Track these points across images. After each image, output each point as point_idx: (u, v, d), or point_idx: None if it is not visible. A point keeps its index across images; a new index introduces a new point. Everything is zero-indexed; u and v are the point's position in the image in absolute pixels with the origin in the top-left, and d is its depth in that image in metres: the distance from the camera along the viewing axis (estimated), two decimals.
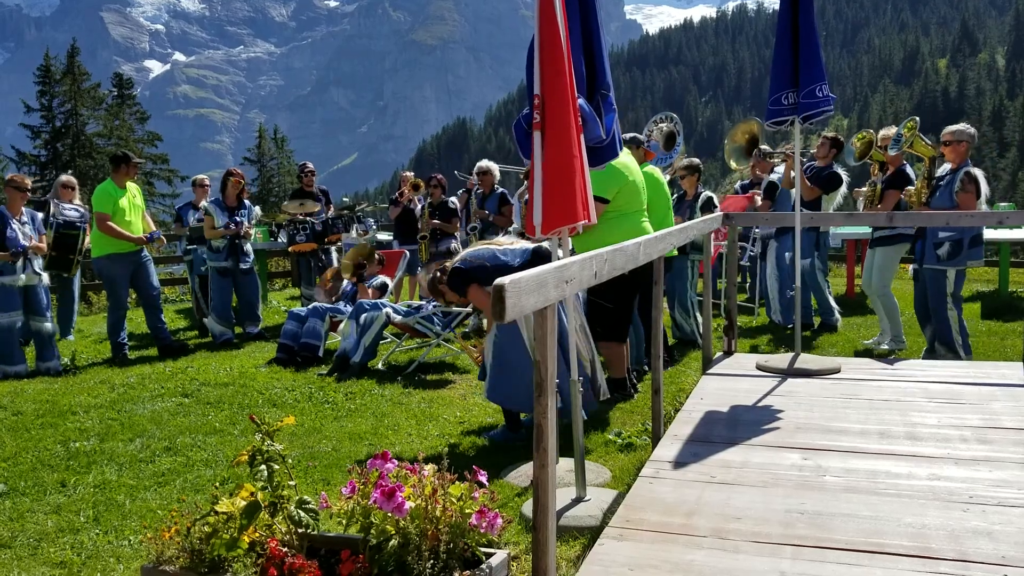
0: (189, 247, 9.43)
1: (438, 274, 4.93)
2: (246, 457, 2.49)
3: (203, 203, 8.81)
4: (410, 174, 10.68)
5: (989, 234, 9.50)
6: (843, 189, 7.71)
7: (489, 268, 4.65)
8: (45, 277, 7.41)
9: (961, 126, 6.20)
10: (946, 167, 6.26)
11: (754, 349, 7.19)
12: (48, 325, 7.36)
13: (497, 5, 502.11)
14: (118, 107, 34.43)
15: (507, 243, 4.90)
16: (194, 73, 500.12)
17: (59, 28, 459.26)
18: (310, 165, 10.35)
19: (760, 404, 4.72)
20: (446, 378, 6.46)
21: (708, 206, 7.65)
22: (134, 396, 6.13)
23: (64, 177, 9.00)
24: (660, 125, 8.85)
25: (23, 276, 7.12)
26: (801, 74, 5.34)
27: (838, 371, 5.43)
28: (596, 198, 4.98)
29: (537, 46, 3.73)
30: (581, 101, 3.98)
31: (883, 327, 7.12)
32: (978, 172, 6.05)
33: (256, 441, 2.54)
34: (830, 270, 10.47)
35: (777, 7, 5.80)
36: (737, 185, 10.17)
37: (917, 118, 6.72)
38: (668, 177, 7.57)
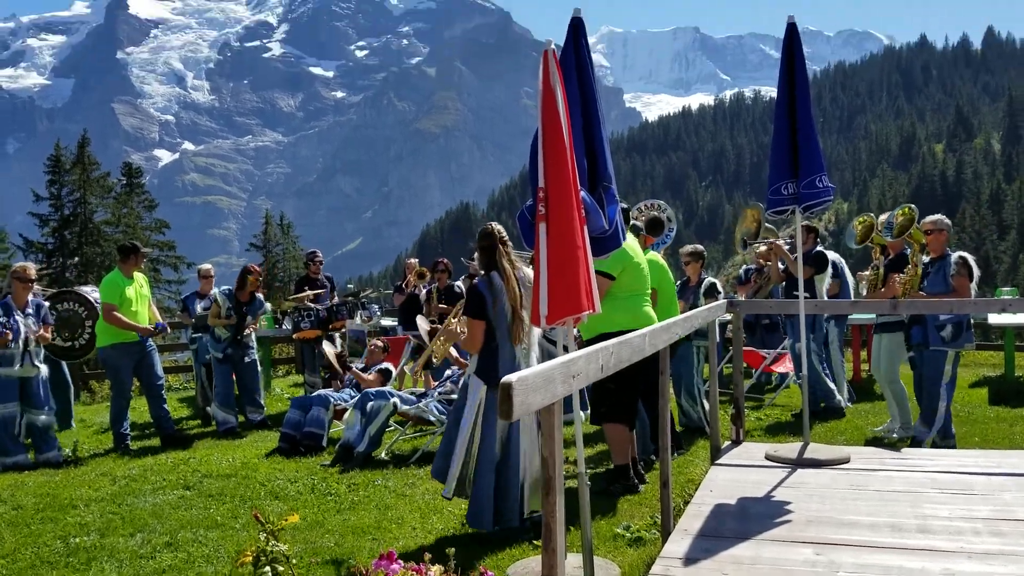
0: (194, 335, 9.45)
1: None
2: (250, 558, 2.46)
3: (214, 291, 8.87)
4: (415, 261, 10.77)
5: (993, 319, 9.52)
6: (830, 269, 7.92)
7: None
8: (44, 369, 7.37)
9: (939, 216, 6.39)
10: (925, 257, 6.42)
11: (770, 431, 7.12)
12: (43, 417, 7.26)
13: (499, 94, 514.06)
14: (127, 195, 34.90)
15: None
16: (202, 162, 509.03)
17: (71, 119, 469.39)
18: (319, 254, 10.41)
19: (771, 496, 4.65)
20: None
21: (712, 292, 7.69)
22: (136, 489, 6.06)
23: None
24: (647, 214, 8.97)
25: (19, 367, 7.10)
26: (801, 165, 5.44)
27: (847, 461, 5.37)
28: (601, 273, 5.03)
29: (540, 140, 3.82)
30: (583, 193, 4.05)
31: (892, 413, 7.08)
32: (969, 256, 6.20)
33: (260, 540, 2.51)
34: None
35: (774, 95, 5.95)
36: (741, 271, 10.24)
37: (914, 206, 6.82)
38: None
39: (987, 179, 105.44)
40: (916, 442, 6.29)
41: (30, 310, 7.22)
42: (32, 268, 7.42)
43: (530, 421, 4.57)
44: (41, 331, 7.28)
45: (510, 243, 4.74)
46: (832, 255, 8.26)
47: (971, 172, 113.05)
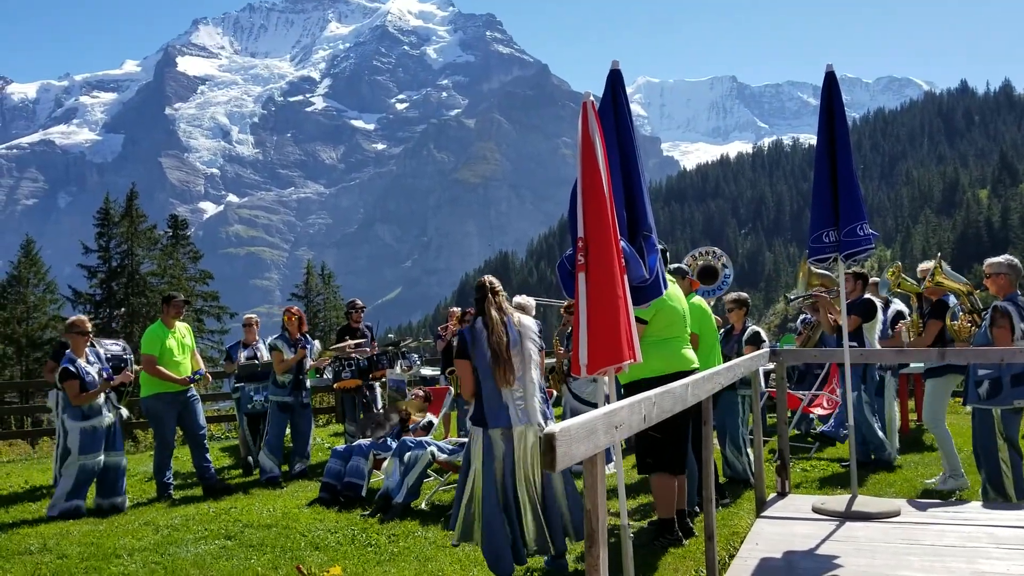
0: (237, 384, 9.54)
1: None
2: None
3: (270, 339, 9.03)
4: (457, 309, 10.81)
5: None
6: (880, 315, 7.79)
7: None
8: (124, 411, 7.55)
9: (1002, 258, 6.02)
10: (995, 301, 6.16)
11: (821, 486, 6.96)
12: (124, 460, 7.48)
13: (537, 145, 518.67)
14: (172, 247, 35.62)
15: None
16: (246, 213, 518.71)
17: (120, 173, 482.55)
18: (359, 303, 10.49)
19: (818, 551, 4.53)
20: None
21: (755, 340, 7.60)
22: (178, 539, 6.08)
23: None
24: (699, 261, 8.91)
25: (108, 416, 7.28)
26: (841, 213, 5.40)
27: (898, 514, 5.22)
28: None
29: (580, 190, 3.85)
30: (623, 243, 4.06)
31: (944, 465, 6.88)
32: (1009, 306, 5.75)
33: None
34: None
35: (813, 143, 5.93)
36: (798, 322, 10.06)
37: (899, 262, 6.80)
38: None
39: None
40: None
41: (92, 359, 7.37)
42: (88, 321, 7.63)
43: (519, 455, 4.75)
44: (120, 377, 7.48)
45: (503, 293, 4.95)
46: (898, 304, 8.13)
47: (1017, 218, 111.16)
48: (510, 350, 4.69)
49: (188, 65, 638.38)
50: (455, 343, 5.01)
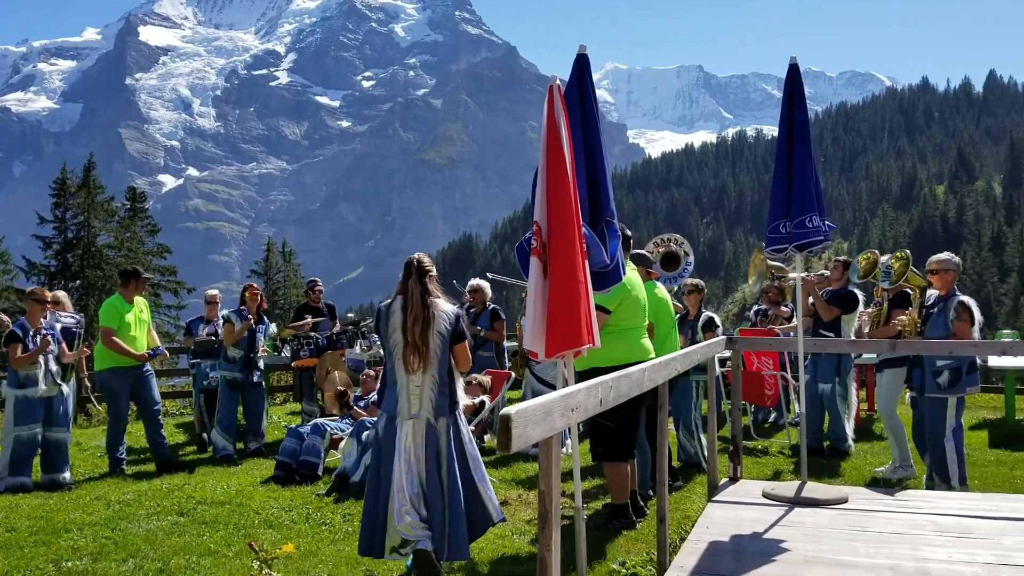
0: (193, 360, 9.44)
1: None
2: None
3: (224, 312, 8.94)
4: None
5: (994, 362, 9.51)
6: (860, 308, 7.92)
7: None
8: (65, 388, 7.39)
9: (946, 255, 6.30)
10: (932, 294, 6.34)
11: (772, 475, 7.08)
12: (66, 435, 7.31)
13: (505, 127, 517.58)
14: (130, 220, 34.99)
15: None
16: (206, 188, 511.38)
17: (77, 143, 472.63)
18: (319, 283, 10.44)
19: (767, 535, 4.62)
20: None
21: (710, 326, 7.71)
22: (129, 514, 6.02)
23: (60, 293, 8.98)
24: (661, 248, 8.97)
25: (43, 387, 7.12)
26: (792, 205, 5.46)
27: (846, 501, 5.34)
28: (598, 307, 5.03)
29: (543, 174, 3.85)
30: (584, 228, 4.07)
31: (894, 454, 7.04)
32: (970, 301, 6.06)
33: (253, 569, 2.49)
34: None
35: (776, 134, 5.98)
36: (751, 312, 10.20)
37: (908, 251, 6.84)
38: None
39: (988, 221, 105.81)
40: None
41: (44, 331, 7.22)
42: (46, 291, 7.50)
43: (405, 447, 4.37)
44: (72, 353, 7.35)
45: (434, 274, 4.58)
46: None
47: (972, 214, 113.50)
48: (424, 335, 4.39)
49: (150, 35, 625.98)
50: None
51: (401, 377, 4.42)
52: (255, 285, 9.02)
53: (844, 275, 7.95)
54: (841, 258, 8.13)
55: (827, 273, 8.10)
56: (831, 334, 7.72)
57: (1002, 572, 3.91)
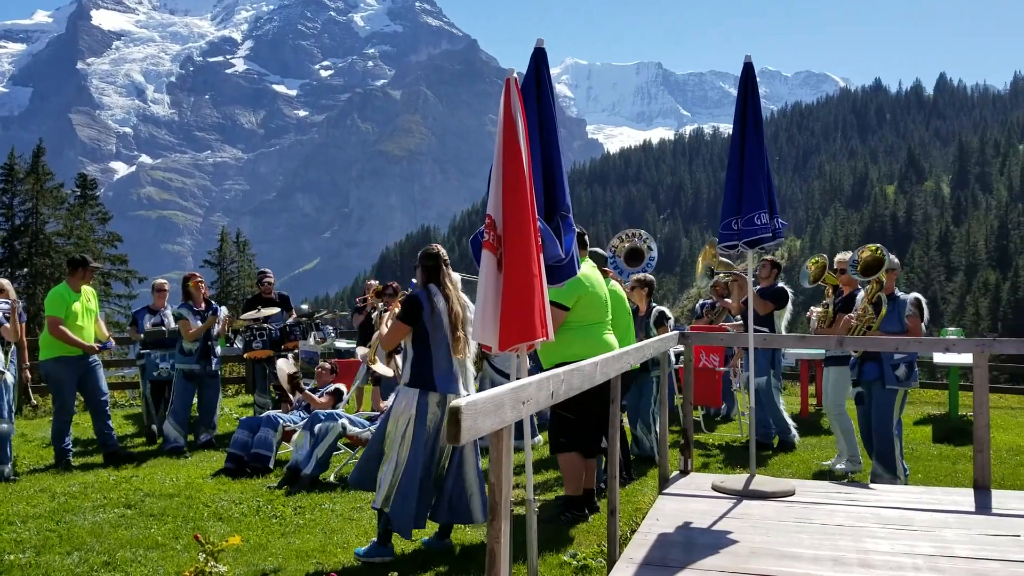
0: (142, 351, 9.28)
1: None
2: None
3: (172, 309, 8.79)
4: (374, 282, 10.72)
5: (939, 359, 9.74)
6: (790, 305, 8.17)
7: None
8: (9, 376, 7.18)
9: (894, 257, 6.55)
10: (860, 294, 6.59)
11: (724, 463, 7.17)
12: (9, 427, 7.09)
13: (464, 120, 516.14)
14: (80, 207, 34.27)
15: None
16: (159, 175, 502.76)
17: (26, 128, 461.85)
18: (270, 274, 10.32)
19: (715, 527, 4.69)
20: None
21: (661, 320, 7.78)
22: (75, 506, 5.91)
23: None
24: (625, 243, 9.03)
25: None
26: (743, 202, 5.54)
27: (792, 493, 5.43)
28: (556, 304, 5.06)
29: (499, 167, 3.84)
30: (540, 222, 4.08)
31: (840, 448, 7.18)
32: (921, 297, 6.35)
33: (199, 561, 2.47)
34: (784, 388, 10.60)
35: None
36: (697, 305, 10.34)
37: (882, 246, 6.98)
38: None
39: (936, 221, 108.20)
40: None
41: None
42: None
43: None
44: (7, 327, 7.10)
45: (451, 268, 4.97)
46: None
47: (921, 214, 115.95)
48: (465, 323, 4.79)
49: (103, 19, 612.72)
50: (403, 303, 4.90)
51: (455, 360, 4.81)
52: (197, 275, 8.89)
53: (772, 273, 8.23)
54: (768, 258, 8.35)
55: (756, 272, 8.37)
56: (765, 329, 7.90)
57: (941, 563, 4.02)
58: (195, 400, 8.66)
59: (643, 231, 8.91)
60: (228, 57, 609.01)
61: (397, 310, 5.05)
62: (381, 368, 7.33)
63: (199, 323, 8.41)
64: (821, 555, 4.14)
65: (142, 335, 9.25)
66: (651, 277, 8.16)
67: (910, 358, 6.21)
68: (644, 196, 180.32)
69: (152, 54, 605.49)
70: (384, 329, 5.16)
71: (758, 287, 8.12)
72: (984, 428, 5.38)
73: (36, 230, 31.94)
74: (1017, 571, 3.90)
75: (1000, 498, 5.29)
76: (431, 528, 5.00)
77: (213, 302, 8.82)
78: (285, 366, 8.25)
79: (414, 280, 5.35)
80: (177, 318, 8.57)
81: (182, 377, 8.39)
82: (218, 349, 8.76)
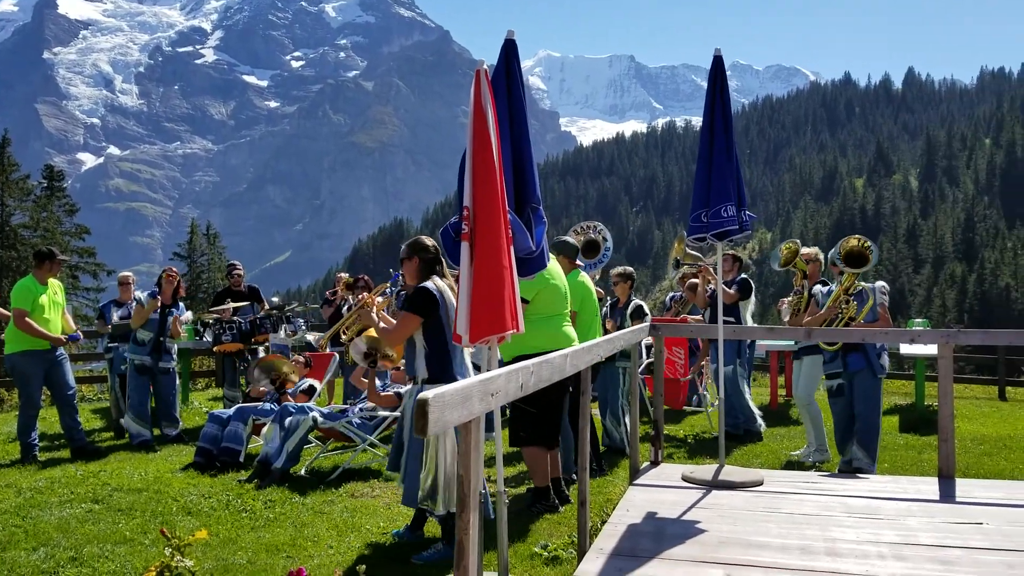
0: (110, 344, 9.19)
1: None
2: (154, 573, 2.40)
3: (137, 293, 8.68)
4: (345, 275, 10.66)
5: (905, 349, 9.86)
6: (754, 297, 8.40)
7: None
8: None
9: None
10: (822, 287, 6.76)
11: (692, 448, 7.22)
12: None
13: (436, 112, 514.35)
14: (46, 199, 33.79)
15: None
16: (128, 167, 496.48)
17: None
18: (239, 266, 10.25)
19: (685, 517, 4.73)
20: (371, 486, 6.32)
21: (638, 314, 7.82)
22: (41, 502, 5.84)
23: None
24: (581, 236, 9.06)
25: None
26: (711, 194, 5.58)
27: (761, 483, 5.49)
28: None
29: (469, 159, 3.84)
30: (510, 214, 4.08)
31: (809, 438, 7.26)
32: (886, 286, 6.51)
33: (165, 556, 2.45)
34: (755, 379, 10.70)
35: None
36: (667, 297, 10.42)
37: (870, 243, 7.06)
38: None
39: (904, 214, 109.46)
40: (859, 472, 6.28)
41: None
42: None
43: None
44: None
45: None
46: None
47: (889, 207, 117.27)
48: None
49: (70, 7, 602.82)
50: (408, 296, 4.77)
51: (464, 352, 4.72)
52: (173, 269, 8.79)
53: (734, 267, 8.39)
54: (730, 251, 8.47)
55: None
56: (731, 319, 7.99)
57: (905, 551, 4.08)
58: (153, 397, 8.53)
59: (598, 223, 8.96)
60: (198, 47, 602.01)
61: (379, 299, 4.99)
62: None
63: (156, 310, 8.25)
64: (789, 544, 4.19)
65: (110, 328, 9.16)
66: (631, 270, 8.24)
67: (886, 346, 6.39)
68: (617, 189, 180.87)
69: (120, 44, 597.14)
70: (371, 311, 5.08)
71: (725, 280, 8.22)
72: (949, 418, 5.46)
73: (2, 222, 31.42)
74: (979, 558, 3.97)
75: (964, 487, 5.38)
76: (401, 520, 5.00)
77: (181, 304, 8.67)
78: (362, 344, 8.08)
79: (399, 272, 5.31)
80: (135, 302, 8.44)
81: (135, 371, 8.26)
82: (174, 348, 8.59)
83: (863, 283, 6.40)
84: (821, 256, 7.05)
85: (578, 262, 6.60)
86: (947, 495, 5.18)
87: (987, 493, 5.23)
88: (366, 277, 9.82)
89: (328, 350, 9.41)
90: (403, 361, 8.07)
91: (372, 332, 5.82)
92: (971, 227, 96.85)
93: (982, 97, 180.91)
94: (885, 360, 6.32)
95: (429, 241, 4.84)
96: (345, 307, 9.82)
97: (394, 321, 4.89)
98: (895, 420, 9.29)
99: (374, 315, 5.12)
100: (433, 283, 4.69)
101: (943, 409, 5.48)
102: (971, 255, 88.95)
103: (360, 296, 8.28)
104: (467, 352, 4.82)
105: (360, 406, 7.22)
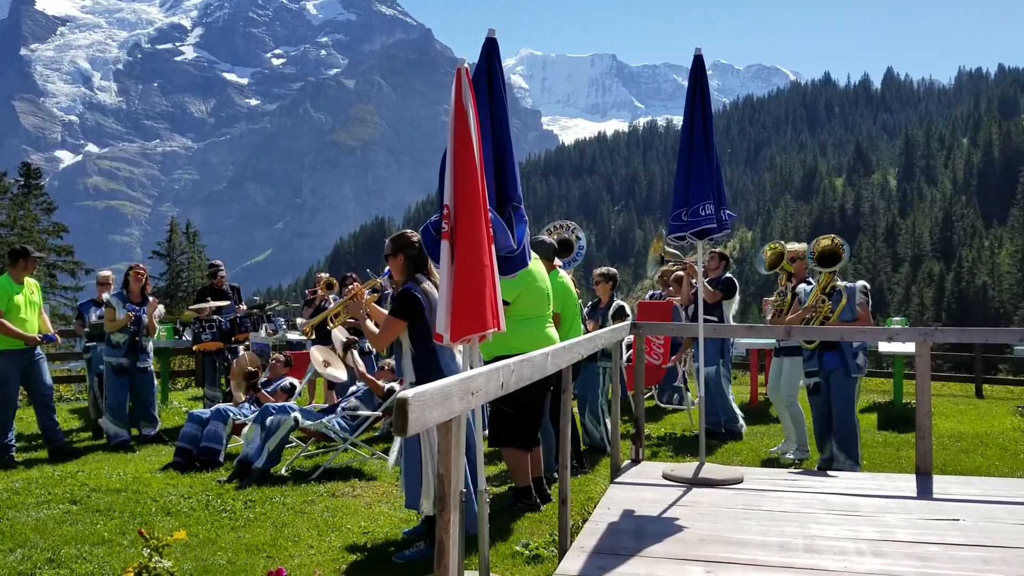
0: (89, 344, 9.10)
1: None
2: (132, 575, 2.38)
3: (105, 295, 8.58)
4: (325, 274, 10.62)
5: (884, 348, 9.94)
6: (737, 296, 8.39)
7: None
8: None
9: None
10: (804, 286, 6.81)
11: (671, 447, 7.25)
12: None
13: (418, 110, 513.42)
14: (24, 197, 33.51)
15: None
16: (106, 165, 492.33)
17: None
18: (222, 267, 10.16)
19: (666, 515, 4.74)
20: (352, 485, 6.30)
21: (620, 314, 7.83)
22: (18, 503, 5.78)
23: None
24: (554, 235, 9.08)
25: None
26: (690, 193, 5.60)
27: (741, 481, 5.52)
28: None
29: (450, 157, 3.84)
30: (491, 212, 4.08)
31: (787, 435, 7.31)
32: (867, 285, 6.51)
33: (143, 557, 2.43)
34: (735, 378, 10.75)
35: None
36: (647, 296, 10.45)
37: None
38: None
39: (883, 213, 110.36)
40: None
41: None
42: None
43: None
44: None
45: None
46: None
47: (868, 206, 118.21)
48: None
49: (47, 3, 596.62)
50: (399, 299, 4.64)
51: (452, 350, 4.64)
52: (141, 266, 8.69)
53: (720, 265, 8.43)
54: (716, 250, 8.52)
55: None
56: (714, 318, 8.02)
57: (883, 547, 4.11)
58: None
59: (571, 222, 8.98)
60: (177, 44, 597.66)
61: (366, 295, 4.96)
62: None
63: (124, 313, 8.15)
64: (768, 541, 4.21)
65: (87, 328, 9.07)
66: (614, 271, 8.25)
67: (865, 345, 6.38)
68: (599, 188, 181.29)
69: (98, 40, 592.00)
70: (361, 301, 5.03)
71: (707, 279, 8.25)
72: (926, 415, 5.51)
73: None
74: (956, 554, 4.01)
75: (941, 483, 5.43)
76: (392, 521, 4.98)
77: (151, 298, 8.52)
78: (247, 361, 8.11)
79: (386, 270, 5.27)
80: (104, 305, 8.34)
81: (112, 372, 8.17)
82: (150, 346, 8.51)
83: (842, 282, 6.43)
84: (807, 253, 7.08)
85: (556, 261, 6.60)
86: (924, 492, 5.22)
87: (963, 490, 5.28)
88: (353, 275, 9.80)
89: (312, 337, 9.26)
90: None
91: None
92: (949, 226, 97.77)
93: (960, 97, 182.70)
94: (862, 360, 6.33)
95: (414, 236, 4.72)
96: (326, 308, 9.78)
97: (384, 312, 4.84)
98: (873, 417, 9.37)
99: (362, 310, 5.04)
100: (417, 284, 4.64)
101: (921, 407, 5.52)
102: (949, 254, 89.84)
103: (350, 287, 8.26)
104: (457, 351, 4.76)
105: (343, 405, 7.20)
